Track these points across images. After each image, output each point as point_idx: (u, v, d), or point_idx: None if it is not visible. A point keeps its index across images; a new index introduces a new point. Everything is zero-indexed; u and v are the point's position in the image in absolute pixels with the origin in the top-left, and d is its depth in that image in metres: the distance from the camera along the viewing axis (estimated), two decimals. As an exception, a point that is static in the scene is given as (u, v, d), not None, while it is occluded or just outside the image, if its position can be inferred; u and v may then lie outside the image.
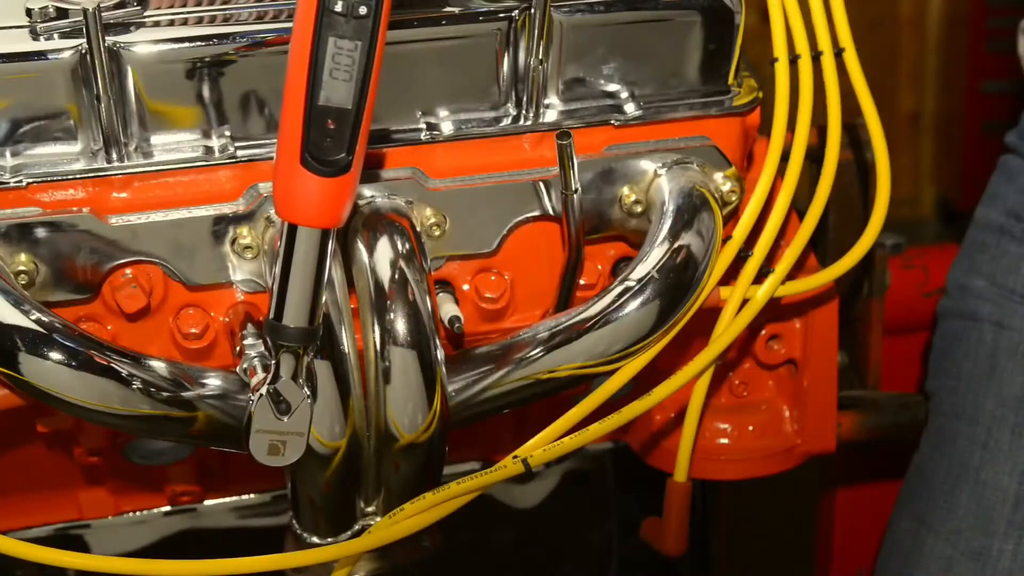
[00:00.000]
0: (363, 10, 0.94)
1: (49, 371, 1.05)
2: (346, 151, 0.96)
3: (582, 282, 1.23)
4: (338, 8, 0.94)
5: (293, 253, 1.00)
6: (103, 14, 1.07)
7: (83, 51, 1.08)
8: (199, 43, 1.10)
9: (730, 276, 1.23)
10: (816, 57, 1.24)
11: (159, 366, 1.08)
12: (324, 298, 1.03)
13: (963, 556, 1.41)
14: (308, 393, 1.05)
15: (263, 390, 1.04)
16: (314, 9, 0.94)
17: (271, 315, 1.02)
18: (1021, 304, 1.41)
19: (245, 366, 1.09)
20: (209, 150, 1.13)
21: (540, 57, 1.16)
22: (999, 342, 1.42)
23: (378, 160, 1.16)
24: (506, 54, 1.16)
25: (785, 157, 1.23)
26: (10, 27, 1.09)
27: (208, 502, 1.45)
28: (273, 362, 1.04)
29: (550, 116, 1.19)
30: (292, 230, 0.99)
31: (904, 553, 1.47)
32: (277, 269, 1.01)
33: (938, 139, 3.66)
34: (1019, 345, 1.41)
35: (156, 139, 1.12)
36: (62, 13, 1.09)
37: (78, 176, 1.11)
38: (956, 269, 1.49)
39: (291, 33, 1.10)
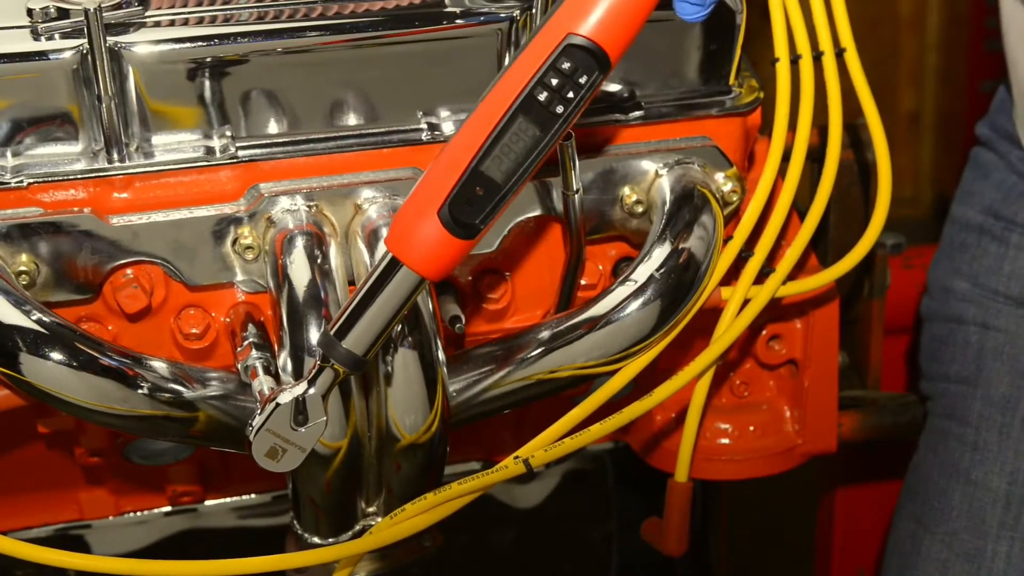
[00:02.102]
0: (559, 109, 0.99)
1: (50, 371, 1.05)
2: (480, 220, 1.00)
3: (583, 282, 1.23)
4: (542, 98, 0.98)
5: (386, 285, 1.01)
6: (104, 14, 1.07)
7: (84, 51, 1.08)
8: (200, 43, 1.10)
9: (731, 276, 1.23)
10: (817, 57, 1.24)
11: (160, 366, 1.08)
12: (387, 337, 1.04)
13: (958, 558, 1.41)
14: (327, 416, 1.05)
15: (295, 393, 1.04)
16: (522, 87, 0.98)
17: (333, 330, 1.02)
18: (1005, 304, 1.41)
19: (245, 365, 1.09)
20: (210, 150, 1.13)
21: (541, 57, 1.16)
22: (984, 344, 1.42)
23: (379, 160, 1.16)
24: (507, 54, 1.16)
25: (786, 157, 1.23)
26: (11, 27, 1.09)
27: (209, 502, 1.45)
28: (314, 370, 1.04)
29: (551, 116, 1.19)
30: (395, 265, 1.01)
31: (903, 554, 1.47)
32: (360, 291, 1.01)
33: (938, 139, 3.66)
34: (1004, 346, 1.41)
35: (157, 139, 1.12)
36: (63, 13, 1.09)
37: (79, 176, 1.11)
38: (937, 269, 1.49)
39: (291, 34, 1.11)
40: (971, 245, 1.45)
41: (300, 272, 1.10)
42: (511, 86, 0.99)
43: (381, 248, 1.11)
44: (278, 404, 1.04)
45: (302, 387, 1.04)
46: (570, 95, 0.99)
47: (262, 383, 1.07)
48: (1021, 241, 1.41)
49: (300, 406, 1.04)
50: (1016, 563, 1.39)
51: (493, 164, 0.99)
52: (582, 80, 0.98)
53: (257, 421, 1.04)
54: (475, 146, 0.99)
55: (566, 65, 0.98)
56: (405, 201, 1.00)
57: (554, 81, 0.98)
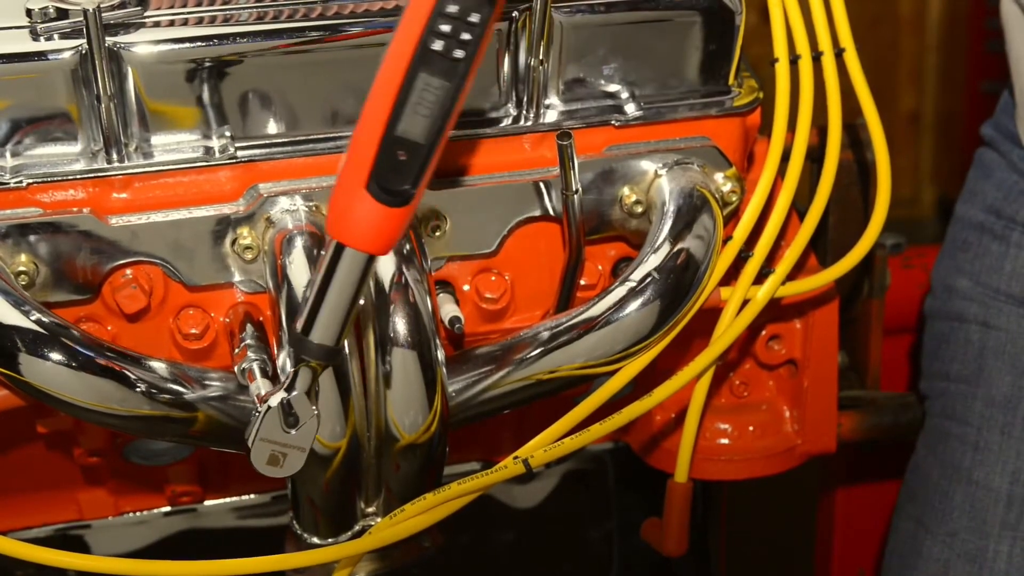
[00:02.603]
0: (459, 53, 0.95)
1: (49, 371, 1.05)
2: (411, 184, 0.97)
3: (583, 282, 1.23)
4: (436, 47, 0.95)
5: (336, 272, 0.99)
6: (103, 14, 1.07)
7: (83, 51, 1.08)
8: (199, 43, 1.10)
9: (730, 276, 1.23)
10: (816, 57, 1.24)
11: (159, 367, 1.08)
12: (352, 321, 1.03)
13: (959, 558, 1.41)
14: (317, 412, 1.05)
15: (276, 400, 1.03)
16: (413, 42, 0.94)
17: (299, 327, 1.01)
18: (1006, 303, 1.41)
19: (242, 368, 1.09)
20: (209, 150, 1.13)
21: (540, 57, 1.16)
22: (986, 342, 1.42)
23: (378, 160, 1.16)
24: (506, 54, 1.16)
25: (785, 157, 1.23)
26: (10, 27, 1.09)
27: (208, 502, 1.45)
28: (291, 373, 1.03)
29: (550, 116, 1.19)
30: (340, 249, 0.99)
31: (904, 555, 1.47)
32: (314, 284, 1.00)
33: (938, 139, 3.66)
34: (1006, 345, 1.41)
35: (156, 139, 1.12)
36: (62, 13, 1.09)
37: (78, 176, 1.11)
38: (940, 268, 1.49)
39: (291, 34, 1.11)
40: (973, 244, 1.45)
41: (299, 272, 1.10)
42: (403, 43, 0.95)
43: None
44: (264, 413, 1.03)
45: (283, 391, 1.03)
46: (465, 37, 0.95)
47: (259, 386, 1.07)
48: (1022, 240, 1.41)
49: (287, 409, 1.04)
50: (1018, 563, 1.39)
51: (408, 126, 0.95)
52: (474, 19, 0.94)
53: (250, 432, 1.04)
54: (384, 113, 0.95)
55: (453, 8, 0.94)
56: (336, 181, 0.98)
57: (445, 27, 0.94)
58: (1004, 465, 1.40)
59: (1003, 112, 1.45)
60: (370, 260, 0.99)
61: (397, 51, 0.95)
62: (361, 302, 1.07)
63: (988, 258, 1.43)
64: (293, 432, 1.04)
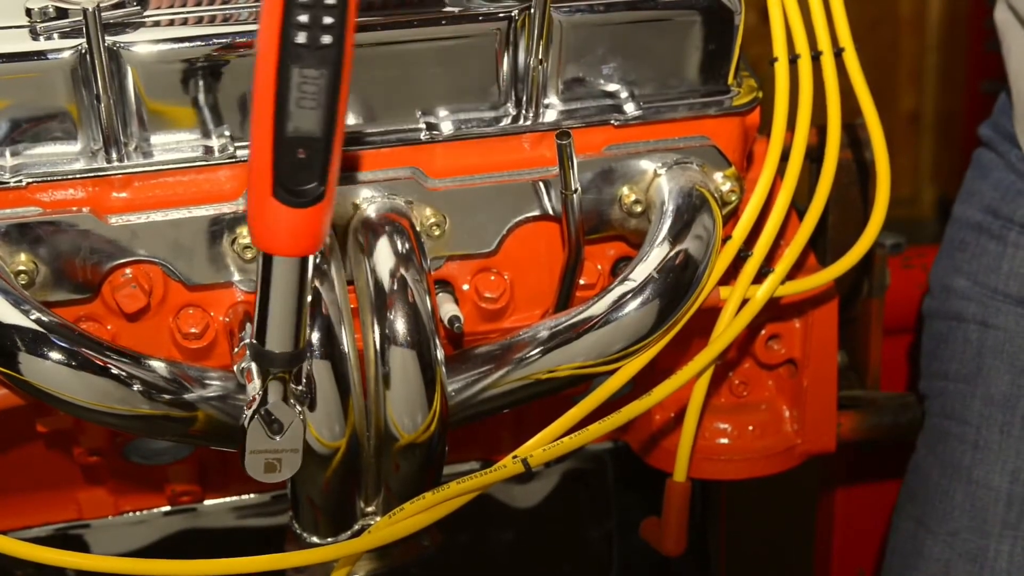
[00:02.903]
0: (326, 39, 0.91)
1: (49, 371, 1.05)
2: (318, 180, 0.94)
3: (582, 282, 1.23)
4: (301, 40, 0.91)
5: (272, 282, 0.98)
6: (103, 14, 1.07)
7: (83, 51, 1.08)
8: (199, 43, 1.10)
9: (730, 276, 1.23)
10: (816, 57, 1.24)
11: (159, 366, 1.08)
12: (306, 320, 1.01)
13: (961, 558, 1.41)
14: (300, 411, 1.05)
15: (251, 413, 1.03)
16: (276, 42, 0.91)
17: (255, 340, 1.01)
18: (1004, 302, 1.41)
19: (241, 367, 1.09)
20: (209, 150, 1.13)
21: (540, 57, 1.16)
22: (984, 341, 1.42)
23: (378, 160, 1.16)
24: (506, 54, 1.16)
25: (785, 157, 1.23)
26: (10, 27, 1.09)
27: (208, 502, 1.45)
28: (261, 386, 1.03)
29: (550, 116, 1.19)
30: (268, 260, 0.97)
31: (905, 555, 1.47)
32: (257, 296, 0.99)
33: (938, 139, 3.66)
34: (1004, 344, 1.41)
35: (156, 139, 1.12)
36: (62, 13, 1.09)
37: (78, 176, 1.11)
38: (938, 268, 1.49)
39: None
40: (970, 243, 1.45)
41: (298, 272, 1.10)
42: (267, 44, 0.92)
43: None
44: (247, 429, 1.03)
45: (257, 404, 1.03)
46: (328, 21, 0.91)
47: (256, 387, 1.07)
48: (1019, 239, 1.41)
49: (268, 418, 1.04)
50: (1019, 562, 1.39)
51: (298, 123, 0.92)
52: (330, 1, 0.90)
53: (240, 447, 1.04)
54: (268, 118, 0.92)
55: None
56: (247, 195, 0.96)
57: (303, 18, 0.91)
58: (1004, 464, 1.40)
59: (1001, 113, 1.46)
60: (303, 262, 0.98)
61: (263, 53, 0.92)
62: (340, 288, 1.08)
63: (986, 258, 1.43)
64: (279, 438, 1.04)
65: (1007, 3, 1.41)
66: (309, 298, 1.00)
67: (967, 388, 1.43)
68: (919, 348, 1.53)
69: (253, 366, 1.05)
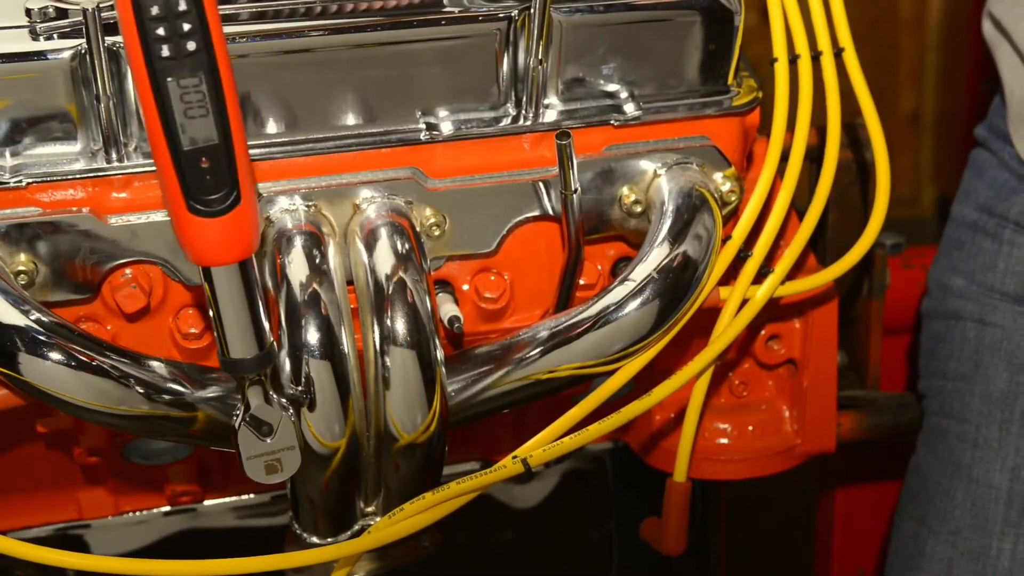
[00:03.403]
0: (191, 46, 0.91)
1: (49, 371, 1.05)
2: (229, 185, 0.94)
3: (582, 282, 1.23)
4: (166, 54, 0.90)
5: (217, 292, 0.99)
6: (103, 14, 1.07)
7: (82, 51, 1.08)
8: (198, 43, 1.10)
9: (730, 276, 1.23)
10: (816, 57, 1.24)
11: (158, 366, 1.08)
12: (264, 318, 1.02)
13: (963, 557, 1.41)
14: (288, 408, 1.05)
15: (238, 422, 1.04)
16: (141, 58, 0.90)
17: (220, 353, 1.01)
18: (1001, 300, 1.41)
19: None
20: (208, 150, 1.13)
21: (540, 57, 1.16)
22: (982, 340, 1.42)
23: (378, 160, 1.16)
24: (506, 54, 1.16)
25: (785, 157, 1.23)
26: (9, 27, 1.09)
27: (208, 502, 1.45)
28: (240, 395, 1.04)
29: (550, 116, 1.19)
30: (208, 273, 0.98)
31: (907, 555, 1.47)
32: (210, 309, 1.00)
33: (938, 139, 3.66)
34: (1002, 341, 1.41)
35: (156, 139, 1.12)
36: (61, 13, 1.09)
37: (78, 176, 1.11)
38: (936, 268, 1.50)
39: (292, 34, 1.11)
40: (966, 242, 1.45)
41: (298, 272, 1.10)
42: (135, 63, 0.90)
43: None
44: (238, 439, 1.04)
45: (241, 412, 1.04)
46: (187, 27, 0.89)
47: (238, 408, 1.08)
48: (1014, 237, 1.41)
49: (256, 423, 1.04)
50: (1021, 560, 1.39)
51: (192, 134, 0.92)
52: (182, 7, 0.89)
53: (237, 454, 1.05)
54: (160, 135, 0.92)
55: (154, 9, 0.89)
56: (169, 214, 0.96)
57: (160, 31, 0.89)
58: (1003, 462, 1.40)
59: (995, 113, 1.46)
60: (242, 266, 0.98)
61: (137, 74, 0.91)
62: (340, 289, 1.08)
63: (982, 256, 1.43)
64: (272, 439, 1.05)
65: (992, 19, 1.42)
66: (260, 298, 1.01)
67: (965, 386, 1.43)
68: (918, 348, 1.53)
69: (230, 380, 1.06)
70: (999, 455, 1.40)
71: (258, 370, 1.03)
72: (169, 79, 0.90)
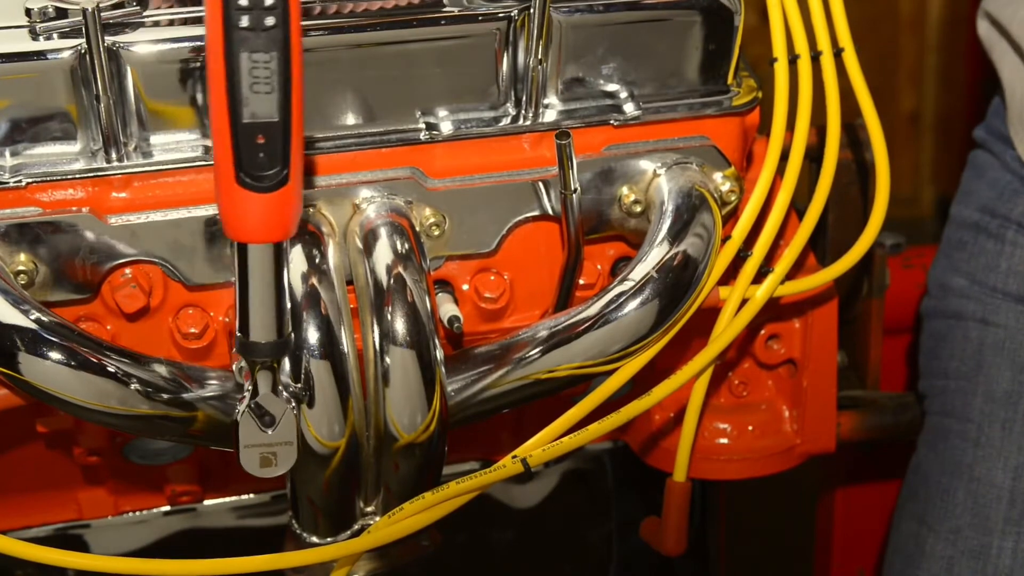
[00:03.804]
0: (270, 21, 0.91)
1: (48, 371, 1.05)
2: (280, 164, 0.94)
3: (581, 282, 1.23)
4: (244, 23, 0.91)
5: (248, 271, 0.99)
6: (102, 14, 1.07)
7: (82, 51, 1.08)
8: (199, 43, 1.10)
9: (729, 276, 1.23)
10: (815, 57, 1.24)
11: (158, 366, 1.08)
12: (288, 307, 1.02)
13: (964, 555, 1.41)
14: (292, 402, 1.05)
15: (243, 407, 1.04)
16: (221, 28, 0.91)
17: (238, 333, 1.01)
18: (1004, 300, 1.41)
19: (240, 366, 1.09)
20: (208, 150, 1.13)
21: (539, 57, 1.16)
22: (984, 339, 1.42)
23: (378, 159, 1.16)
24: (505, 54, 1.16)
25: (784, 157, 1.23)
26: (9, 27, 1.09)
27: (208, 502, 1.45)
28: (251, 379, 1.04)
29: (549, 116, 1.19)
30: (243, 249, 0.98)
31: (907, 554, 1.47)
32: (237, 287, 1.00)
33: (938, 139, 3.66)
34: (1005, 341, 1.41)
35: (155, 139, 1.12)
36: (61, 13, 1.09)
37: (77, 176, 1.11)
38: (936, 268, 1.50)
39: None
40: (968, 243, 1.45)
41: (298, 271, 1.10)
42: (212, 31, 0.92)
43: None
44: (239, 423, 1.04)
45: (248, 397, 1.04)
46: (270, 2, 0.91)
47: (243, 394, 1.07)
48: (1016, 238, 1.41)
49: (259, 411, 1.04)
50: (1022, 559, 1.39)
51: (254, 108, 0.93)
52: None
53: (234, 442, 1.04)
54: (223, 105, 0.93)
55: None
56: (214, 186, 0.96)
57: (244, 1, 0.91)
58: (1006, 461, 1.40)
59: (994, 115, 1.47)
60: (276, 248, 0.98)
61: (211, 40, 0.92)
62: (340, 288, 1.08)
63: (984, 257, 1.43)
64: (272, 431, 1.04)
65: (988, 16, 1.42)
66: (287, 285, 1.01)
67: (968, 385, 1.43)
68: (918, 348, 1.53)
69: (243, 362, 1.06)
70: (1001, 454, 1.40)
71: (273, 356, 1.02)
72: (242, 51, 0.91)
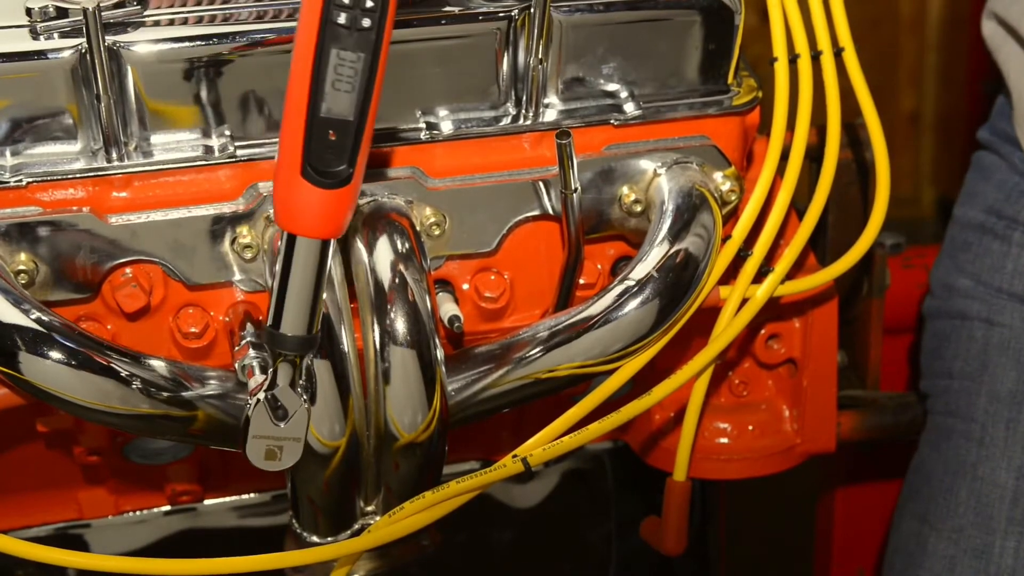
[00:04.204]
0: (366, 23, 0.94)
1: (49, 370, 1.05)
2: (347, 163, 0.96)
3: (582, 281, 1.23)
4: (341, 20, 0.93)
5: (292, 263, 0.99)
6: (103, 13, 1.07)
7: (83, 51, 1.08)
8: (199, 43, 1.10)
9: (729, 275, 1.23)
10: (815, 56, 1.24)
11: (159, 365, 1.08)
12: (323, 306, 1.03)
13: (966, 555, 1.41)
14: (306, 400, 1.05)
15: (260, 396, 1.04)
16: (317, 21, 0.93)
17: (269, 323, 1.01)
18: (1009, 301, 1.41)
19: (242, 364, 1.09)
20: (209, 149, 1.13)
21: (540, 57, 1.16)
22: (990, 339, 1.42)
23: (378, 159, 1.16)
24: (506, 54, 1.16)
25: (785, 156, 1.23)
26: (10, 26, 1.09)
27: (208, 501, 1.45)
28: (271, 369, 1.04)
29: (550, 116, 1.19)
30: (292, 240, 0.99)
31: (908, 553, 1.47)
32: (276, 277, 1.00)
33: (938, 139, 3.66)
34: (1010, 340, 1.41)
35: (156, 138, 1.12)
36: (62, 12, 1.09)
37: (78, 175, 1.11)
38: (939, 269, 1.50)
39: (292, 33, 1.11)
40: (973, 244, 1.45)
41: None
42: (308, 22, 0.94)
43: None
44: (252, 410, 1.04)
45: (266, 384, 1.04)
46: (369, 4, 0.93)
47: (258, 383, 1.07)
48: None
49: (273, 403, 1.04)
50: (1025, 559, 1.39)
51: (332, 104, 0.94)
52: None
53: (243, 430, 1.04)
54: (303, 96, 0.94)
55: None
56: (274, 174, 0.98)
57: None
58: (1010, 460, 1.40)
59: (999, 116, 1.46)
60: (324, 245, 0.99)
61: (303, 31, 0.93)
62: (340, 288, 1.08)
63: (989, 258, 1.43)
64: (284, 425, 1.04)
65: (995, 16, 1.42)
66: (325, 284, 1.01)
67: (972, 385, 1.43)
68: (920, 348, 1.53)
69: (254, 361, 1.06)
70: (1005, 454, 1.40)
71: (299, 351, 1.02)
72: (333, 47, 0.93)
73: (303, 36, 0.94)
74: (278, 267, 1.00)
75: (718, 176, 1.21)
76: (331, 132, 0.95)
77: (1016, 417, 1.40)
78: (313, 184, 0.96)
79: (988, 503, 1.40)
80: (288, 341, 1.02)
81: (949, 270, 1.47)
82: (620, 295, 1.15)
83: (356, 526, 1.18)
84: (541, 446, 1.15)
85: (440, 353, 1.12)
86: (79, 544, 1.46)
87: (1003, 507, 1.39)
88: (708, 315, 1.22)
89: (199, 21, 1.12)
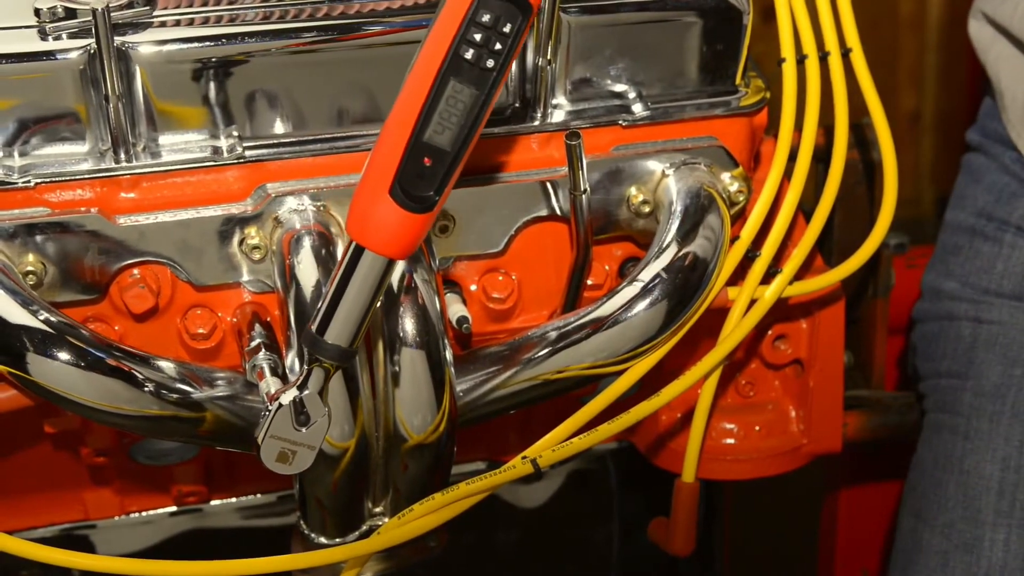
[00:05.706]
0: (490, 63, 0.96)
1: (57, 371, 1.05)
2: (435, 191, 0.97)
3: (590, 282, 1.23)
4: (468, 56, 0.96)
5: (355, 274, 1.00)
6: (112, 14, 1.07)
7: (91, 51, 1.08)
8: (207, 43, 1.10)
9: (737, 276, 1.23)
10: (823, 57, 1.24)
11: (167, 366, 1.08)
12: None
13: (957, 549, 1.41)
14: (329, 410, 1.05)
15: (288, 398, 1.03)
16: (445, 49, 0.95)
17: (314, 327, 1.01)
18: (997, 299, 1.41)
19: (254, 365, 1.09)
20: (217, 150, 1.13)
21: (548, 57, 1.16)
22: (977, 336, 1.42)
23: (386, 160, 1.16)
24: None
25: (792, 157, 1.23)
26: (19, 27, 1.09)
27: (214, 502, 1.45)
28: (304, 372, 1.04)
29: (558, 116, 1.19)
30: (359, 251, 0.99)
31: (906, 550, 1.47)
32: (332, 284, 1.00)
33: (938, 139, 3.66)
34: (997, 336, 1.41)
35: (164, 139, 1.12)
36: (70, 13, 1.09)
37: (86, 176, 1.11)
38: (929, 273, 1.50)
39: (299, 33, 1.11)
40: (963, 247, 1.45)
41: (307, 272, 1.10)
42: (435, 51, 0.96)
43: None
44: (276, 410, 1.03)
45: (295, 389, 1.04)
46: (497, 47, 0.96)
47: (269, 384, 1.07)
48: (1015, 240, 1.41)
49: (299, 407, 1.04)
50: (1014, 550, 1.39)
51: (435, 132, 0.96)
52: (506, 29, 0.96)
53: (260, 428, 1.04)
54: (412, 118, 0.96)
55: (486, 17, 0.96)
56: (358, 183, 0.98)
57: (477, 36, 0.95)
58: (994, 452, 1.40)
59: (987, 117, 1.46)
60: (389, 264, 1.00)
61: (428, 56, 0.96)
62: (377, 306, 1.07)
63: (978, 260, 1.43)
64: (304, 430, 1.04)
65: (983, 16, 1.42)
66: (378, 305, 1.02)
67: (959, 382, 1.43)
68: (912, 352, 1.53)
69: (265, 362, 1.06)
70: (989, 445, 1.40)
71: (336, 361, 1.02)
72: (453, 79, 0.96)
73: (426, 60, 0.96)
74: (337, 275, 1.00)
75: (726, 177, 1.21)
76: (427, 158, 0.96)
77: (1000, 410, 1.40)
78: (398, 204, 0.97)
79: (975, 496, 1.40)
80: (329, 349, 1.01)
81: (939, 274, 1.48)
82: (629, 296, 1.15)
83: (364, 527, 1.18)
84: (551, 447, 1.15)
85: (449, 354, 1.12)
86: (85, 545, 1.46)
87: (990, 499, 1.39)
88: (716, 316, 1.22)
89: (207, 22, 1.12)
